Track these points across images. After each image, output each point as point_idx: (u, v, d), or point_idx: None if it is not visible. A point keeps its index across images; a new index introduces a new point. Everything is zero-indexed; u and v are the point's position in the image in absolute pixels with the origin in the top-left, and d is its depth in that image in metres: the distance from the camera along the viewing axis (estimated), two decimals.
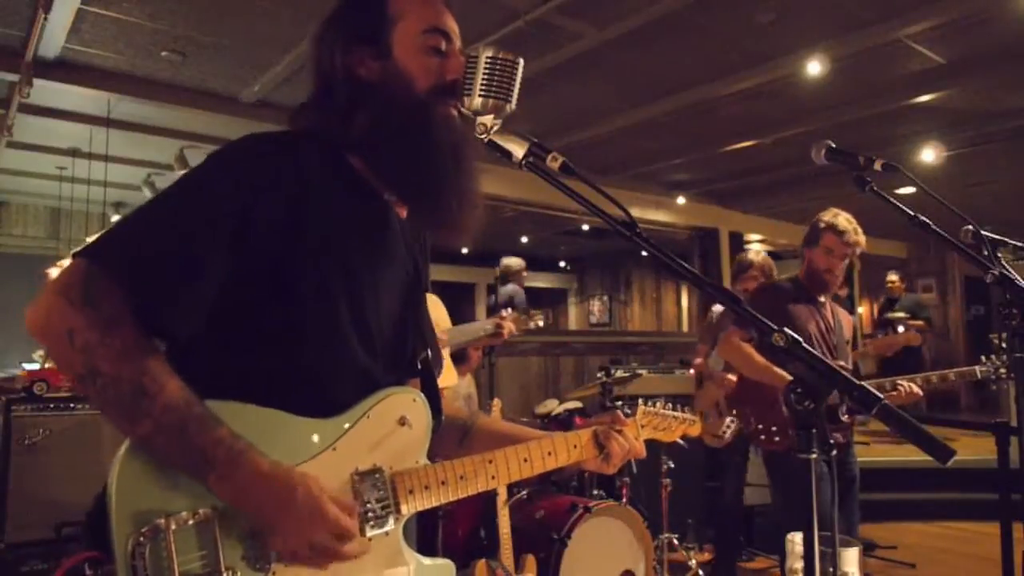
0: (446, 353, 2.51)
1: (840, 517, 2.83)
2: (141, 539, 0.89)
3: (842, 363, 2.82)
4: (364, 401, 1.08)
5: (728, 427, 3.76)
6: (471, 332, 2.80)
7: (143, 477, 0.93)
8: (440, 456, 1.18)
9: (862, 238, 2.89)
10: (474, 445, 1.31)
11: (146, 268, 0.94)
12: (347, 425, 1.05)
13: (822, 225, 2.91)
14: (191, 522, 0.92)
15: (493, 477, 1.20)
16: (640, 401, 1.46)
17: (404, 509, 1.09)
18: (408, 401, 1.12)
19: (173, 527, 0.91)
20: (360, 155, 1.13)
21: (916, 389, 2.67)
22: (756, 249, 4.24)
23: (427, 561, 1.14)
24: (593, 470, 1.38)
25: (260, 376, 1.01)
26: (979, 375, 2.70)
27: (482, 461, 1.19)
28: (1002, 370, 2.67)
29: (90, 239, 0.99)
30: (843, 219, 2.88)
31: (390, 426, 1.10)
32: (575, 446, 1.30)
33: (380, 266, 1.13)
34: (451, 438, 1.31)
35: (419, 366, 1.21)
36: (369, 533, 1.05)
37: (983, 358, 2.76)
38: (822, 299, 2.98)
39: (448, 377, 2.48)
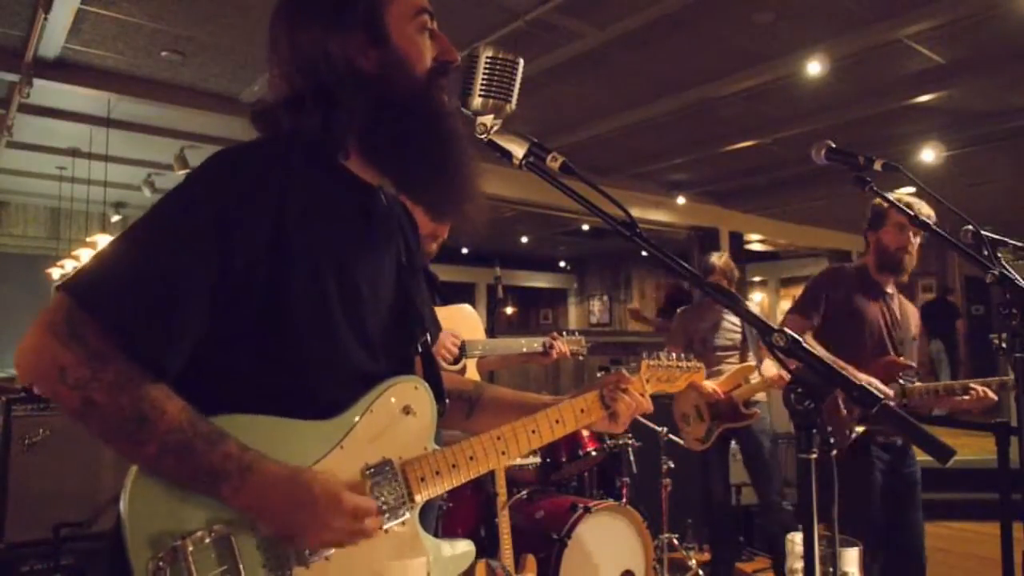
0: (472, 363, 2.47)
1: (902, 525, 2.64)
2: (160, 563, 0.90)
3: (904, 359, 2.68)
4: (366, 396, 1.08)
5: (710, 432, 3.77)
6: (511, 346, 2.68)
7: (155, 501, 0.93)
8: (449, 429, 1.18)
9: (930, 209, 2.61)
10: (481, 417, 1.31)
11: (128, 305, 0.92)
12: (352, 422, 1.06)
13: (887, 204, 2.73)
14: (208, 540, 0.93)
15: (503, 453, 1.19)
16: (644, 354, 1.46)
17: (417, 497, 1.10)
18: (410, 389, 1.12)
19: (190, 548, 0.91)
20: (357, 149, 1.10)
21: (991, 395, 2.52)
22: (719, 253, 4.20)
23: (446, 545, 1.15)
24: (603, 431, 1.37)
25: (261, 386, 1.01)
26: None
27: (490, 439, 1.18)
28: None
29: (75, 267, 0.96)
30: (902, 192, 2.68)
31: (395, 417, 1.10)
32: (582, 410, 1.29)
33: (373, 260, 1.12)
34: (458, 412, 1.30)
35: (419, 349, 1.20)
36: (386, 525, 1.06)
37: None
38: (889, 290, 2.82)
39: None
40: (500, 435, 1.19)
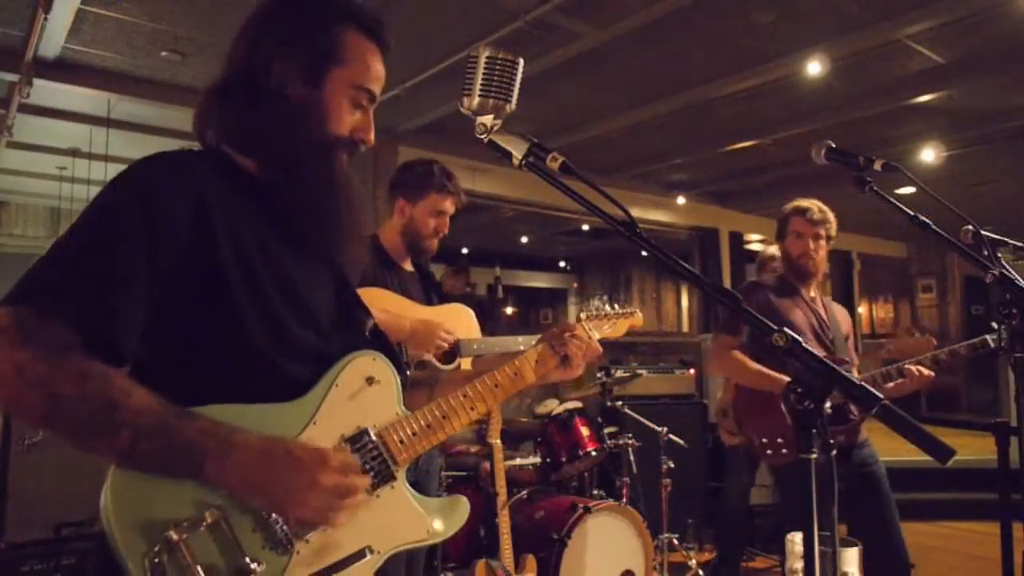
0: (467, 362, 2.46)
1: (870, 520, 2.64)
2: (156, 558, 0.89)
3: (844, 359, 2.73)
4: (328, 373, 1.11)
5: None
6: (508, 344, 2.66)
7: (138, 493, 0.92)
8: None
9: (830, 215, 2.81)
10: (444, 392, 1.34)
11: (71, 289, 0.93)
12: (320, 398, 1.09)
13: (786, 212, 2.87)
14: (203, 527, 0.92)
15: (472, 408, 1.26)
16: (580, 312, 1.56)
17: (400, 459, 1.13)
18: (369, 361, 1.16)
19: (186, 536, 0.91)
20: (257, 163, 1.15)
21: (927, 372, 2.57)
22: (777, 244, 4.21)
23: (439, 502, 1.19)
24: (560, 379, 1.44)
25: (221, 378, 1.02)
26: (991, 343, 2.54)
27: (456, 398, 1.25)
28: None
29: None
30: (804, 201, 2.82)
31: (360, 388, 1.13)
32: (536, 360, 1.37)
33: (297, 250, 1.15)
34: (421, 398, 1.34)
35: (368, 335, 1.26)
36: (376, 491, 1.09)
37: (994, 324, 2.66)
38: (812, 294, 2.86)
39: None
40: (465, 393, 1.26)
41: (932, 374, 2.59)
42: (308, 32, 1.14)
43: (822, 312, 2.85)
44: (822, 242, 2.81)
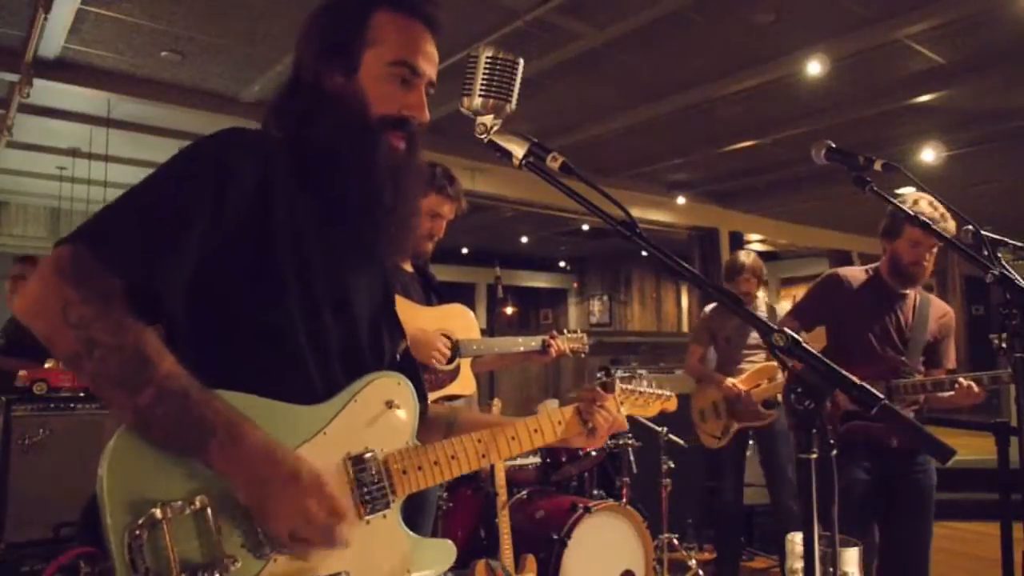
0: (466, 363, 2.45)
1: (901, 532, 2.58)
2: (137, 531, 0.88)
3: (904, 359, 2.64)
4: (351, 386, 1.10)
5: (726, 430, 3.79)
6: (507, 345, 2.64)
7: (135, 465, 0.92)
8: None
9: (951, 224, 2.48)
10: (460, 435, 1.33)
11: (132, 244, 0.95)
12: (336, 409, 1.07)
13: (904, 216, 2.75)
14: (188, 511, 0.92)
15: (483, 456, 1.23)
16: (617, 379, 1.51)
17: (399, 490, 1.11)
18: (393, 384, 1.15)
19: (169, 516, 0.90)
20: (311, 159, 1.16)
21: (976, 387, 2.47)
22: (747, 251, 4.19)
23: (426, 542, 1.16)
24: (580, 446, 1.41)
25: (247, 366, 1.02)
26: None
27: (471, 441, 1.22)
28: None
29: None
30: (926, 205, 2.53)
31: (378, 409, 1.11)
32: (559, 423, 1.34)
33: (355, 253, 1.16)
34: (436, 432, 1.33)
35: (398, 357, 1.26)
36: (367, 516, 1.06)
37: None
38: (905, 291, 2.73)
39: (467, 385, 2.43)
40: (481, 438, 1.23)
41: (979, 391, 2.48)
42: (341, 25, 1.16)
43: (909, 311, 2.74)
44: (935, 250, 2.69)
